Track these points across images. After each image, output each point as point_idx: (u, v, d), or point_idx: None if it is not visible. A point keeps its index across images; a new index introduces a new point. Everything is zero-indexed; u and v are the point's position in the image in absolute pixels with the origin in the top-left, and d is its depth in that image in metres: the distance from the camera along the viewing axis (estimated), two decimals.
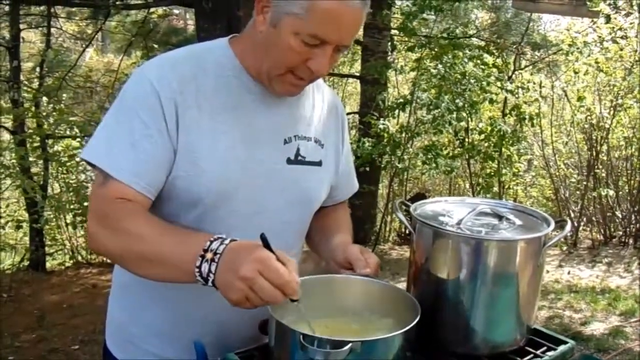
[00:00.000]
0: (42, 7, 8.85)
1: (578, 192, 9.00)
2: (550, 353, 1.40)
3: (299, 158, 1.54)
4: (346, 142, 1.75)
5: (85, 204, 6.90)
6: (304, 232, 1.67)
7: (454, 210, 1.52)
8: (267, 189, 1.49)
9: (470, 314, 1.36)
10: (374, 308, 1.43)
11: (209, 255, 1.21)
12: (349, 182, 1.83)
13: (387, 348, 1.20)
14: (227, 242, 1.23)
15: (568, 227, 1.44)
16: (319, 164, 1.59)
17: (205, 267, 1.21)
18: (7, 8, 8.14)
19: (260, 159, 1.48)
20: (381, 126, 7.70)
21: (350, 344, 1.13)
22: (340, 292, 1.45)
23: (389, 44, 9.07)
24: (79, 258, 8.69)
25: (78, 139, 7.79)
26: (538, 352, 1.40)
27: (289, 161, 1.53)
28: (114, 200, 1.35)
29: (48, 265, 8.51)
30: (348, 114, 9.86)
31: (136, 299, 1.59)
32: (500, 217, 1.48)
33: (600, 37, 8.42)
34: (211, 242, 1.23)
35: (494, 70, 8.22)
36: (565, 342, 1.44)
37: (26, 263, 8.48)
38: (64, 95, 9.46)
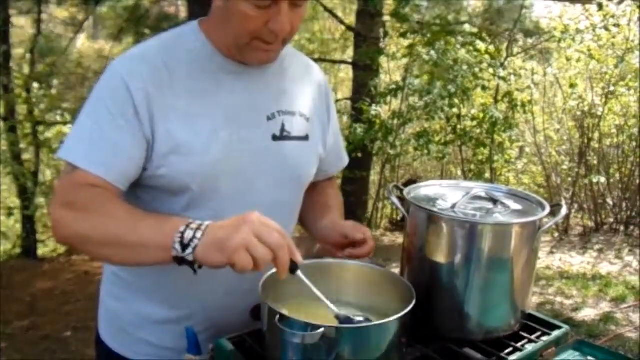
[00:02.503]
0: None
1: (569, 179, 9.01)
2: (545, 338, 1.40)
3: (285, 134, 1.52)
4: (332, 115, 1.73)
5: None
6: (296, 211, 1.66)
7: (448, 194, 1.51)
8: (254, 169, 1.47)
9: (465, 299, 1.35)
10: (368, 293, 1.43)
11: (193, 225, 1.19)
12: (338, 155, 1.82)
13: (381, 334, 1.19)
14: (207, 222, 1.21)
15: (563, 211, 1.43)
16: (305, 138, 1.58)
17: (189, 233, 1.18)
18: None
19: (245, 138, 1.46)
20: (373, 112, 7.68)
21: (322, 329, 1.11)
22: (334, 278, 1.44)
23: (381, 30, 9.03)
24: None
25: (69, 126, 7.75)
26: (533, 337, 1.40)
27: (274, 138, 1.51)
28: (81, 186, 1.34)
29: (40, 252, 8.50)
30: (340, 100, 9.85)
31: (129, 288, 1.58)
32: (495, 201, 1.47)
33: (592, 24, 8.41)
34: (192, 220, 1.22)
35: (487, 57, 8.19)
36: (560, 327, 1.44)
37: (18, 250, 8.46)
38: (55, 81, 9.40)
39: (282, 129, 1.52)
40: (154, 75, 1.39)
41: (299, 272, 1.22)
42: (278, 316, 1.16)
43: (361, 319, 1.27)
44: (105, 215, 1.30)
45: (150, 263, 1.28)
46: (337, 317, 1.25)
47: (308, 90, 1.64)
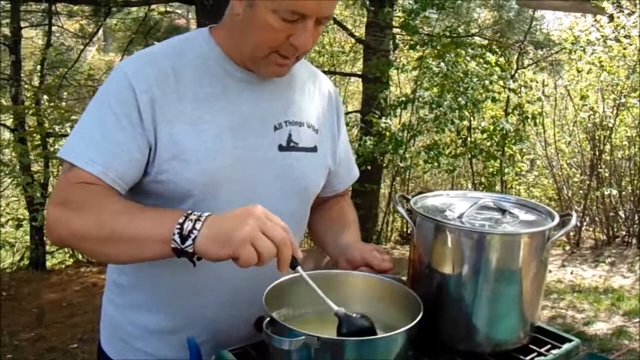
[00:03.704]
0: (43, 5, 8.83)
1: (581, 192, 8.96)
2: (554, 351, 1.36)
3: (292, 144, 1.50)
4: (342, 128, 1.71)
5: None
6: (302, 223, 1.63)
7: (455, 204, 1.48)
8: (259, 178, 1.45)
9: (473, 311, 1.32)
10: (375, 305, 1.40)
11: (192, 217, 1.18)
12: (348, 169, 1.79)
13: (388, 346, 1.16)
14: (206, 213, 1.20)
15: (573, 220, 1.39)
16: (313, 149, 1.55)
17: (188, 225, 1.16)
18: (8, 6, 8.12)
19: (250, 147, 1.44)
20: (383, 125, 7.66)
21: (303, 337, 1.10)
22: (341, 289, 1.42)
23: (391, 42, 9.03)
24: (79, 257, 8.67)
25: None
26: (542, 350, 1.37)
27: (280, 148, 1.48)
28: (78, 185, 1.31)
29: (48, 264, 8.52)
30: (350, 112, 9.84)
31: (131, 299, 1.55)
32: (503, 211, 1.44)
33: (603, 36, 8.39)
34: (191, 212, 1.20)
35: (497, 69, 8.17)
36: (570, 340, 1.40)
37: (26, 262, 8.48)
38: (65, 93, 9.45)
39: (289, 140, 1.50)
40: (161, 79, 1.37)
41: (299, 268, 1.22)
42: (267, 320, 1.15)
43: (358, 316, 1.24)
44: (100, 211, 1.27)
45: (149, 257, 1.25)
46: (337, 314, 1.24)
47: (317, 100, 1.62)
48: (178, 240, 1.16)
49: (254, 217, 1.16)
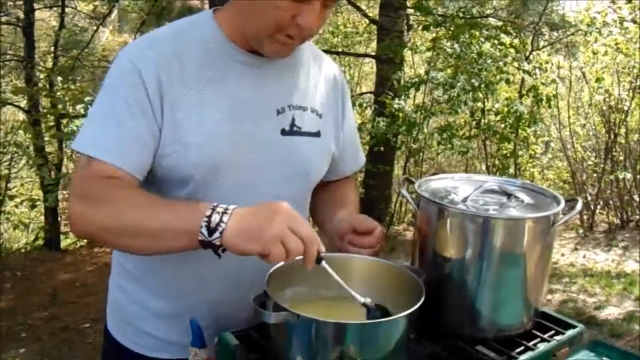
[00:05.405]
0: None
1: (595, 175, 8.91)
2: (558, 337, 1.35)
3: (295, 129, 1.49)
4: (348, 113, 1.69)
5: None
6: (305, 207, 1.62)
7: (460, 187, 1.47)
8: (260, 162, 1.44)
9: (476, 296, 1.32)
10: (376, 288, 1.39)
11: (219, 209, 1.18)
12: (353, 155, 1.77)
13: (389, 331, 1.16)
14: (232, 206, 1.20)
15: (579, 206, 1.38)
16: (316, 134, 1.54)
17: (215, 217, 1.17)
18: None
19: (252, 131, 1.43)
20: (396, 106, 7.63)
21: (285, 313, 1.13)
22: (344, 272, 1.41)
23: (405, 23, 8.97)
24: None
25: None
26: (545, 336, 1.36)
27: (283, 132, 1.47)
28: (98, 178, 1.31)
29: (62, 244, 8.57)
30: (363, 93, 9.79)
31: (135, 281, 1.56)
32: (508, 195, 1.42)
33: (620, 17, 8.28)
34: (217, 204, 1.20)
35: (511, 50, 8.09)
36: (574, 327, 1.39)
37: (41, 242, 8.54)
38: (79, 75, 9.47)
39: (292, 124, 1.49)
40: (163, 63, 1.37)
41: (324, 262, 1.23)
42: (259, 295, 1.18)
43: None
44: (124, 204, 1.28)
45: (175, 249, 1.26)
46: (365, 304, 1.25)
47: (322, 85, 1.60)
48: (205, 232, 1.17)
49: (283, 214, 1.16)
